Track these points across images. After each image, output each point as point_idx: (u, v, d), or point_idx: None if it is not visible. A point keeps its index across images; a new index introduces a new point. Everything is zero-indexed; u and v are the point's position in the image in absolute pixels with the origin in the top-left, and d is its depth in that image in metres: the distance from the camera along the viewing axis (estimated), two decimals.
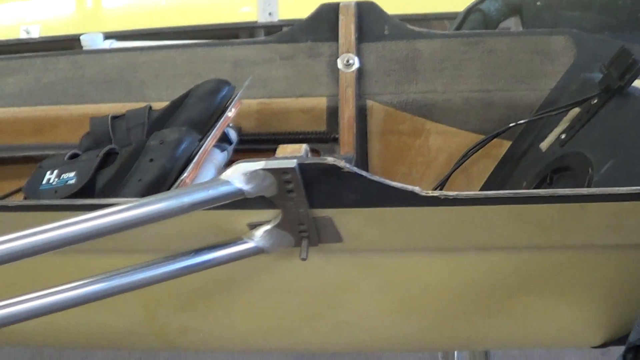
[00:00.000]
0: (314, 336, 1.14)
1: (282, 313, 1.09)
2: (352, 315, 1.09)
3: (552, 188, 1.21)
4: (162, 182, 1.13)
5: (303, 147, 0.93)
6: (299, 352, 1.76)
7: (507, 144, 1.41)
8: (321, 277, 1.03)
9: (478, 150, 1.39)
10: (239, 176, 0.86)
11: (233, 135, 1.40)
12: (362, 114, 1.44)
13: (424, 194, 0.89)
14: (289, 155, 0.89)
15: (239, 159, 1.31)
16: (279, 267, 1.00)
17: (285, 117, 1.46)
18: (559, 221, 0.93)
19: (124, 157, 1.19)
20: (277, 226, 0.92)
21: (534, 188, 1.24)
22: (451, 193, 0.89)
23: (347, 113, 1.40)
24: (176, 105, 1.32)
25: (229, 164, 1.35)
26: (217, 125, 1.27)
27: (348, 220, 0.93)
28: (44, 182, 1.18)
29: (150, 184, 1.13)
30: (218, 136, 1.28)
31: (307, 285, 1.03)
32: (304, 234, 0.93)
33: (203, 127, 1.29)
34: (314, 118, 1.45)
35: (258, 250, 0.93)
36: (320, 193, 0.89)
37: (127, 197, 1.12)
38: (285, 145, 0.94)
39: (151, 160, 1.15)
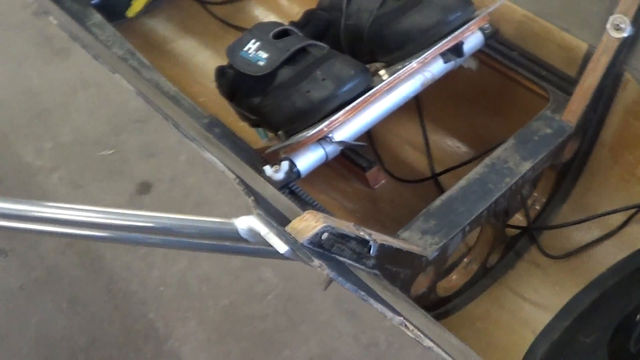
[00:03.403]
0: None
1: None
2: None
3: None
4: (311, 115, 1.18)
5: (316, 229, 0.92)
6: None
7: None
8: None
9: None
10: (245, 227, 0.95)
11: (475, 42, 1.31)
12: (614, 83, 1.25)
13: None
14: (292, 234, 0.92)
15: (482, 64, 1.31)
16: None
17: (542, 43, 1.32)
18: None
19: (303, 67, 1.23)
20: None
21: None
22: None
23: (589, 81, 1.23)
24: (412, 4, 1.27)
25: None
26: (437, 45, 1.23)
27: None
28: (245, 49, 1.28)
29: (299, 112, 1.19)
30: (436, 54, 1.25)
31: None
32: None
33: (425, 40, 1.26)
34: (569, 59, 1.30)
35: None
36: None
37: (281, 112, 1.22)
38: (308, 214, 0.94)
39: (308, 91, 1.19)
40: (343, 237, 0.96)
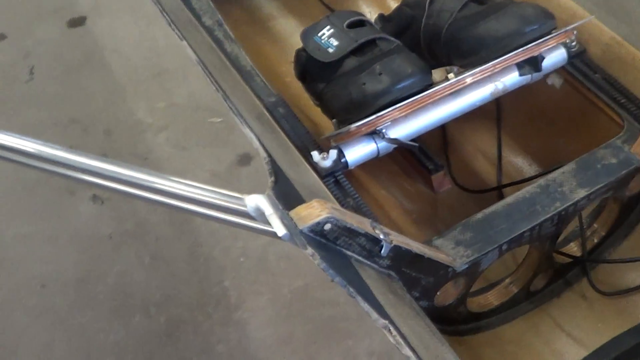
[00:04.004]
0: None
1: None
2: None
3: None
4: (364, 108, 1.18)
5: (319, 218, 0.92)
6: None
7: None
8: None
9: None
10: (253, 205, 0.96)
11: (557, 59, 1.28)
12: None
13: None
14: (294, 219, 0.93)
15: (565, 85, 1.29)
16: None
17: (626, 69, 1.27)
18: None
19: (367, 59, 1.23)
20: None
21: None
22: None
23: None
24: (492, 10, 1.25)
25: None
26: (506, 56, 1.21)
27: None
28: (319, 34, 1.29)
29: (352, 103, 1.20)
30: (504, 65, 1.22)
31: None
32: None
33: (499, 50, 1.23)
34: None
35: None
36: None
37: (338, 101, 1.23)
38: (316, 203, 0.94)
39: (364, 84, 1.19)
40: (350, 232, 0.96)
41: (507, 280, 1.27)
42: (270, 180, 1.05)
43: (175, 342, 1.90)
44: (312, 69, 1.31)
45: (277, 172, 1.07)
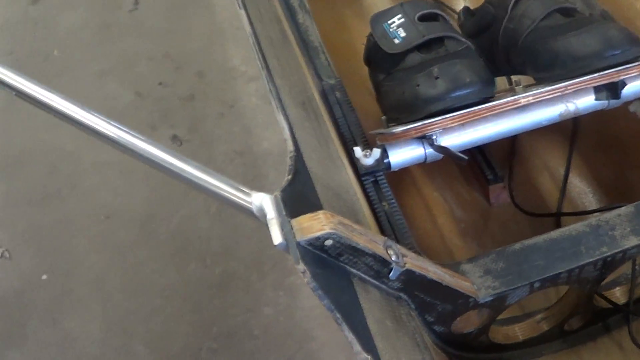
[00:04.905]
0: None
1: None
2: None
3: None
4: (413, 110, 1.11)
5: (319, 233, 0.84)
6: None
7: None
8: None
9: None
10: (258, 204, 0.91)
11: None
12: None
13: None
14: (293, 229, 0.87)
15: None
16: None
17: None
18: None
19: (430, 58, 1.15)
20: None
21: None
22: None
23: None
24: (577, 25, 1.14)
25: None
26: (580, 79, 1.11)
27: None
28: (389, 22, 1.22)
29: (404, 104, 1.13)
30: (576, 88, 1.12)
31: None
32: None
33: (575, 70, 1.13)
34: None
35: None
36: None
37: (392, 97, 1.16)
38: (322, 215, 0.87)
39: (418, 85, 1.11)
40: (355, 250, 0.89)
41: (539, 316, 1.19)
42: (286, 178, 1.00)
43: (224, 295, 1.89)
44: (376, 57, 1.24)
45: (298, 170, 1.01)
